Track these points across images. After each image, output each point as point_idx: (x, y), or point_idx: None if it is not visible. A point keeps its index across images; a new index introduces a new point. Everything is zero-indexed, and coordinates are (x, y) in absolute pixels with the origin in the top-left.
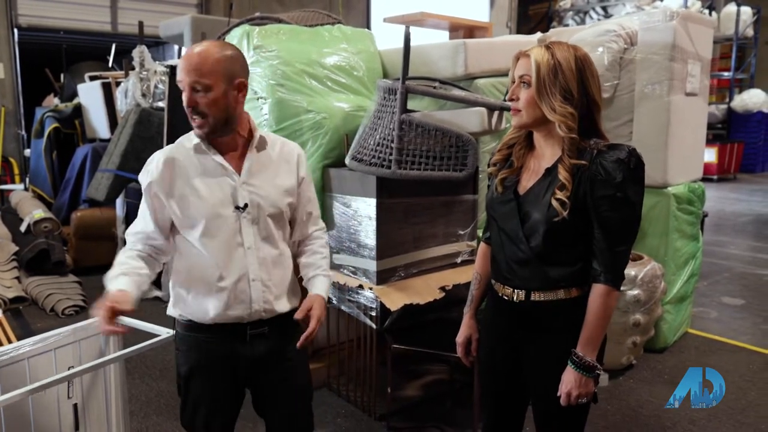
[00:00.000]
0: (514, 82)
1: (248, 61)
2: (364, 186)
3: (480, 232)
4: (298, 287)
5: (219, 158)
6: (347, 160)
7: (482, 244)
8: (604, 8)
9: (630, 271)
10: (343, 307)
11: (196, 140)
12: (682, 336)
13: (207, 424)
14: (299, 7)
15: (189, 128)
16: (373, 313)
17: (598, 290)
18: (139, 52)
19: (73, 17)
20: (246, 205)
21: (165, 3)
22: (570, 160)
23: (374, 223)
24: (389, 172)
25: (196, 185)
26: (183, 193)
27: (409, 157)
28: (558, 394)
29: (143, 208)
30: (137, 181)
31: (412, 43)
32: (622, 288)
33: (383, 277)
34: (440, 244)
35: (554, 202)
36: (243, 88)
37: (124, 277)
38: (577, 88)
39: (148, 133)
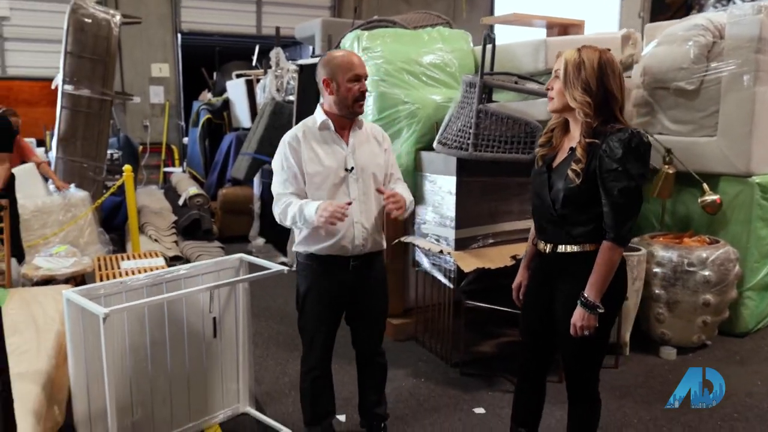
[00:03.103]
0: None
1: None
2: (447, 166)
3: None
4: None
5: (335, 133)
6: (434, 144)
7: None
8: None
9: (702, 253)
10: (426, 267)
11: (320, 120)
12: None
13: (316, 329)
14: (425, 7)
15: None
16: (452, 275)
17: (604, 246)
18: (275, 54)
19: (225, 22)
20: (352, 168)
21: (302, 6)
22: (585, 140)
23: (454, 197)
24: (467, 153)
25: (318, 151)
26: (309, 156)
27: (484, 141)
28: None
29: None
30: (271, 164)
31: (504, 41)
32: (692, 268)
33: (461, 244)
34: (515, 219)
35: (570, 173)
36: None
37: (304, 200)
38: (596, 83)
39: (280, 122)
